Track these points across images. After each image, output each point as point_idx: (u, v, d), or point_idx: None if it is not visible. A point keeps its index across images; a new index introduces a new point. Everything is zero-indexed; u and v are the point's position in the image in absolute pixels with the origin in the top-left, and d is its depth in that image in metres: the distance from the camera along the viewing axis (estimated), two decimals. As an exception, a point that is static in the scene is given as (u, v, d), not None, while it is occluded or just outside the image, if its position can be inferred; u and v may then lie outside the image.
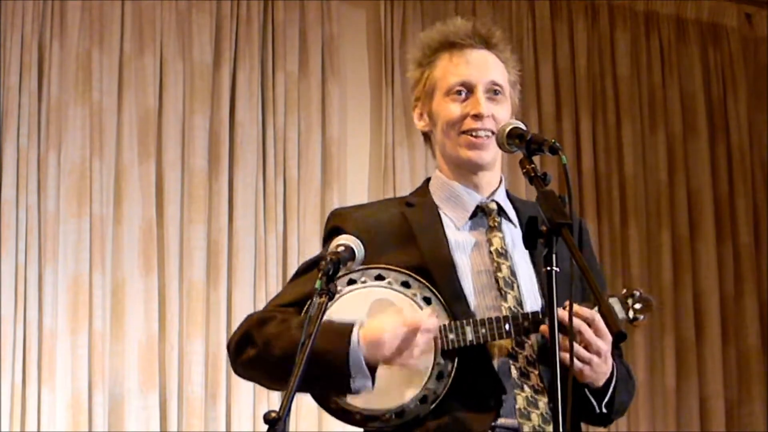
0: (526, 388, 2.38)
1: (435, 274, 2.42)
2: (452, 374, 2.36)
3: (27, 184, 4.51)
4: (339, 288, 2.33)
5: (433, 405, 2.35)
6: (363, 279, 2.42)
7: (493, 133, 2.46)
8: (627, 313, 2.49)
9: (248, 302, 4.70)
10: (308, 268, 2.52)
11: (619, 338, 2.05)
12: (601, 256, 5.31)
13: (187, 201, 4.75)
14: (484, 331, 2.35)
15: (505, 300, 2.42)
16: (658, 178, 5.64)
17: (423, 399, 2.35)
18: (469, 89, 2.51)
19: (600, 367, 2.36)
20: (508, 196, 2.60)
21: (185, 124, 4.81)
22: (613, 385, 2.41)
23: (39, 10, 4.65)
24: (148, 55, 4.78)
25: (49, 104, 4.60)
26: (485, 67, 2.53)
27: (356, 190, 5.07)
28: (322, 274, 2.20)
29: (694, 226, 5.67)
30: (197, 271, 4.70)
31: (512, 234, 2.51)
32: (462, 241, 2.49)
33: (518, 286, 2.44)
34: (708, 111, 5.80)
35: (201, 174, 4.77)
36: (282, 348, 2.35)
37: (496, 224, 2.51)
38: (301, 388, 2.10)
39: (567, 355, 2.18)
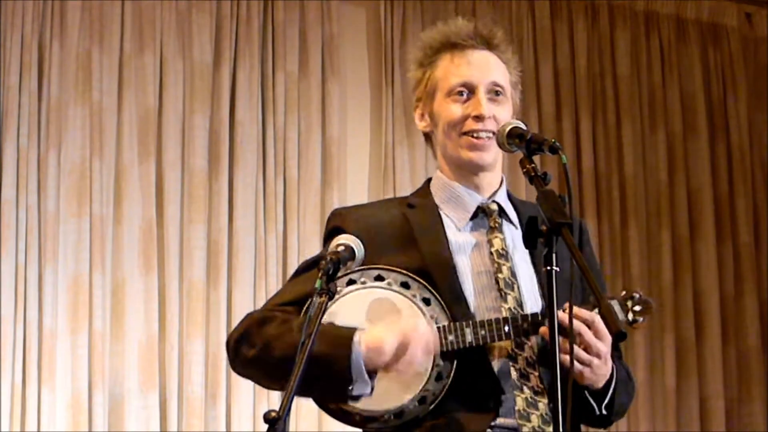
0: (525, 389, 2.38)
1: (435, 276, 2.42)
2: (451, 375, 2.36)
3: (27, 184, 4.51)
4: (338, 288, 2.33)
5: (432, 406, 2.36)
6: (362, 279, 2.41)
7: (494, 134, 2.46)
8: (626, 315, 2.49)
9: (248, 302, 4.70)
10: (308, 267, 2.52)
11: (619, 338, 2.05)
12: (601, 256, 5.32)
13: (187, 201, 4.76)
14: (483, 332, 2.35)
15: (505, 301, 2.42)
16: (658, 178, 5.64)
17: (422, 400, 2.35)
18: (471, 90, 2.51)
19: (600, 369, 2.36)
20: (509, 196, 2.60)
21: (185, 124, 4.81)
22: (612, 386, 2.41)
23: (39, 10, 4.65)
24: (148, 54, 4.78)
25: (49, 104, 4.60)
26: (487, 68, 2.53)
27: (356, 190, 5.07)
28: (322, 274, 2.19)
29: (694, 226, 5.67)
30: (197, 271, 4.70)
31: (513, 235, 2.51)
32: (462, 242, 2.49)
33: (518, 287, 2.44)
34: (708, 111, 5.80)
35: (201, 174, 4.78)
36: (282, 350, 2.35)
37: (497, 225, 2.51)
38: (300, 392, 2.10)
39: (567, 357, 2.18)
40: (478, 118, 2.49)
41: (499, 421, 2.36)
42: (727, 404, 5.54)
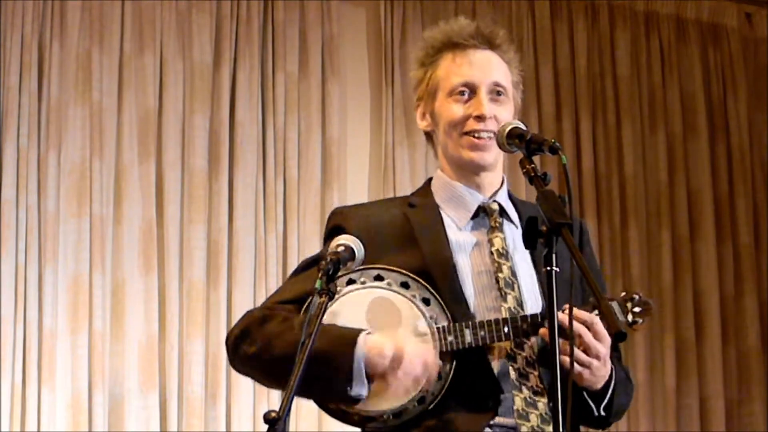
0: (524, 389, 2.38)
1: (435, 275, 2.42)
2: (450, 375, 2.36)
3: (27, 184, 4.51)
4: (338, 288, 2.33)
5: (431, 406, 2.36)
6: (362, 279, 2.41)
7: (495, 134, 2.45)
8: (626, 317, 2.49)
9: (248, 302, 4.70)
10: (308, 265, 2.52)
11: (618, 338, 2.05)
12: (601, 257, 5.32)
13: (187, 201, 4.76)
14: (483, 333, 2.35)
15: (505, 301, 2.42)
16: (658, 178, 5.63)
17: (421, 400, 2.36)
18: (472, 90, 2.51)
19: (599, 371, 2.36)
20: (510, 196, 2.60)
21: (185, 124, 4.81)
22: (611, 388, 2.42)
23: (39, 10, 4.65)
24: (148, 55, 4.78)
25: (49, 104, 4.60)
26: (488, 68, 2.53)
27: (356, 190, 5.07)
28: (322, 274, 2.20)
29: (694, 226, 5.67)
30: (197, 271, 4.70)
31: (513, 235, 2.51)
32: (463, 242, 2.49)
33: (519, 287, 2.45)
34: (708, 111, 5.80)
35: (201, 174, 4.78)
36: (283, 348, 2.35)
37: (497, 225, 2.51)
38: (300, 392, 2.09)
39: (566, 359, 2.18)
40: (480, 118, 2.49)
41: (498, 420, 2.36)
42: (727, 404, 5.54)
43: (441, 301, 2.39)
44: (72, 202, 4.57)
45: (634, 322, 2.50)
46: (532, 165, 2.24)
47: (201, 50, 4.87)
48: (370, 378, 2.32)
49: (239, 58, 4.92)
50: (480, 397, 2.36)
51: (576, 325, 2.29)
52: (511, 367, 2.39)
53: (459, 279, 2.44)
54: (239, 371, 2.54)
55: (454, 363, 2.36)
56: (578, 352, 2.32)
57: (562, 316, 2.22)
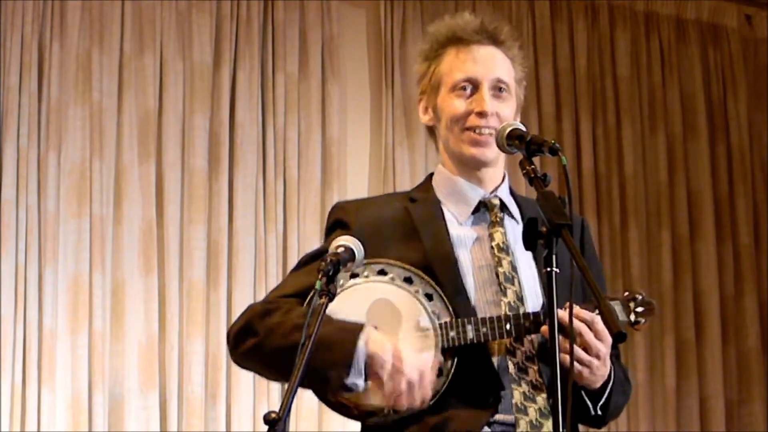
0: (523, 383, 2.38)
1: (437, 270, 2.43)
2: (451, 372, 2.36)
3: (27, 184, 4.51)
4: (341, 282, 2.33)
5: (432, 401, 2.36)
6: (366, 273, 2.42)
7: (497, 130, 2.46)
8: (629, 316, 2.49)
9: (248, 302, 4.66)
10: (310, 259, 2.52)
11: (618, 338, 2.04)
12: (601, 257, 5.31)
13: (187, 201, 4.76)
14: (485, 330, 2.36)
15: (505, 295, 2.42)
16: (658, 179, 5.64)
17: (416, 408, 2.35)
18: (475, 86, 2.52)
19: (599, 370, 2.36)
20: (512, 192, 2.60)
21: (185, 125, 4.81)
22: (609, 387, 2.42)
23: (39, 10, 4.65)
24: (148, 55, 4.78)
25: (49, 104, 4.60)
26: (492, 64, 2.53)
27: (356, 190, 5.07)
28: (322, 275, 2.19)
29: (694, 227, 5.67)
30: (197, 271, 4.70)
31: (514, 230, 2.51)
32: (464, 236, 2.50)
33: (519, 282, 2.45)
34: (708, 111, 5.81)
35: (201, 174, 4.78)
36: (283, 337, 2.35)
37: (498, 220, 2.51)
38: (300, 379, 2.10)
39: (566, 357, 2.18)
40: (481, 114, 2.49)
41: (498, 417, 2.36)
42: (727, 404, 5.55)
43: (444, 296, 2.39)
44: (72, 202, 4.57)
45: (637, 322, 2.50)
46: (532, 166, 2.24)
47: (201, 50, 4.87)
48: (368, 373, 2.32)
49: (239, 58, 4.92)
50: (481, 394, 2.36)
51: (577, 323, 2.29)
52: (510, 362, 2.39)
53: (460, 274, 2.44)
54: (241, 365, 2.54)
55: (456, 359, 2.36)
56: (579, 351, 2.32)
57: (562, 314, 2.22)
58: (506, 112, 2.51)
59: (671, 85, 5.75)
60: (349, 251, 2.29)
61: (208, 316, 4.69)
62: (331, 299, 2.17)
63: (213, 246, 4.74)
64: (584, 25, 5.63)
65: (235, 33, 4.94)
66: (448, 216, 2.53)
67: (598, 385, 2.39)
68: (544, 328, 2.35)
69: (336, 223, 2.56)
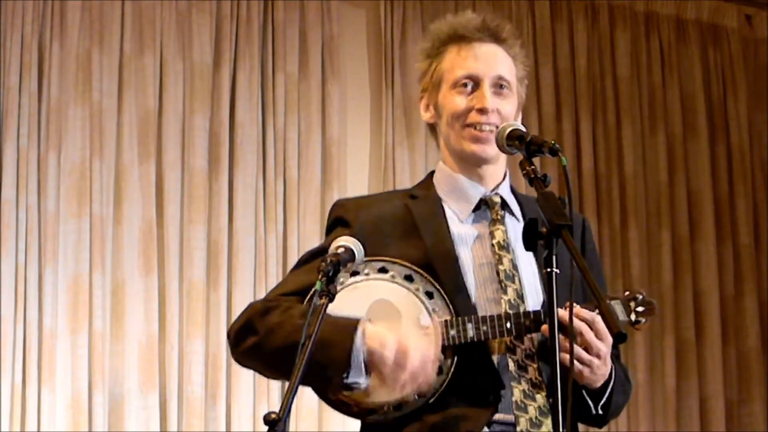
0: (523, 381, 2.38)
1: (438, 268, 2.42)
2: (452, 370, 2.36)
3: (27, 184, 4.51)
4: (341, 279, 2.33)
5: (432, 399, 2.36)
6: (366, 271, 2.41)
7: (497, 127, 2.46)
8: (629, 316, 2.49)
9: (248, 302, 4.66)
10: (311, 257, 2.52)
11: (619, 339, 2.05)
12: (601, 257, 5.29)
13: (187, 201, 4.76)
14: (485, 328, 2.36)
15: (506, 293, 2.42)
16: (658, 179, 5.64)
17: (422, 393, 2.35)
18: (476, 83, 2.52)
19: (599, 369, 2.36)
20: (513, 190, 2.60)
21: (185, 125, 4.81)
22: (610, 387, 2.42)
23: (39, 10, 4.65)
24: (148, 55, 4.78)
25: (49, 104, 4.60)
26: (493, 61, 2.53)
27: (356, 190, 5.06)
28: (322, 276, 2.19)
29: (694, 227, 5.67)
30: (197, 272, 4.70)
31: (515, 228, 2.51)
32: (464, 234, 2.50)
33: (519, 280, 2.45)
34: (708, 111, 5.81)
35: (201, 174, 4.78)
36: (284, 336, 2.35)
37: (499, 217, 2.51)
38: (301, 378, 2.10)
39: (567, 356, 2.18)
40: (482, 110, 2.49)
41: (498, 416, 2.36)
42: (727, 405, 5.55)
43: (444, 295, 2.39)
44: (72, 202, 4.57)
45: (637, 322, 2.50)
46: (532, 167, 2.24)
47: (201, 51, 4.87)
48: (369, 368, 2.31)
49: (239, 58, 4.92)
50: (481, 392, 2.36)
51: (577, 323, 2.29)
52: (510, 359, 2.39)
53: (461, 271, 2.44)
54: (241, 363, 2.54)
55: (456, 357, 2.36)
56: (579, 350, 2.32)
57: (563, 314, 2.22)
58: (507, 110, 2.51)
59: (671, 85, 5.75)
60: (349, 251, 2.29)
61: (208, 316, 4.69)
62: (331, 300, 2.17)
63: (213, 246, 4.74)
64: (584, 25, 5.63)
65: (235, 33, 4.95)
66: (449, 213, 2.53)
67: (599, 384, 2.39)
68: (545, 327, 2.35)
69: (336, 221, 2.56)
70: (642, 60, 5.72)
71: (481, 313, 2.39)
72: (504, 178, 2.58)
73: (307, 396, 4.43)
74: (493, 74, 2.52)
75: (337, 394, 2.37)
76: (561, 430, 2.06)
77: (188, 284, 4.69)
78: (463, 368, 2.36)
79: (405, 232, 2.49)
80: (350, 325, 2.32)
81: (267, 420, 1.99)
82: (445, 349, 2.35)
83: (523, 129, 2.36)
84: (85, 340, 4.49)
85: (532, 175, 2.22)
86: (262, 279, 4.76)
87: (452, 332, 2.35)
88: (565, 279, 2.18)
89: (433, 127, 2.63)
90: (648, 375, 5.41)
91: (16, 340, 4.41)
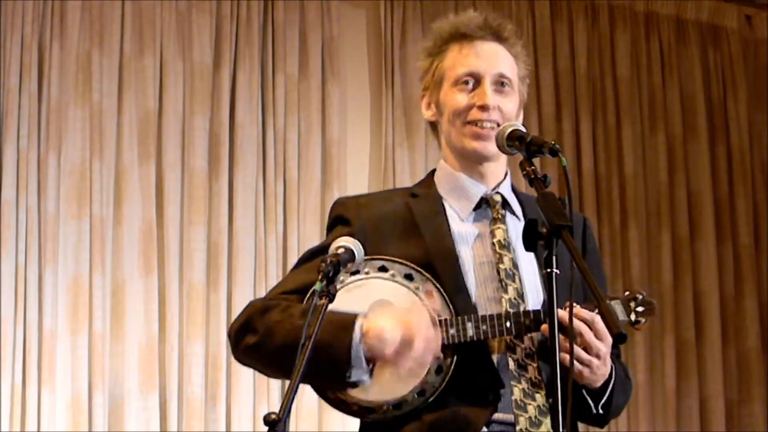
0: (522, 381, 2.38)
1: (438, 267, 2.42)
2: (451, 369, 2.36)
3: (27, 185, 4.51)
4: (341, 278, 2.33)
5: (432, 398, 2.36)
6: (366, 270, 2.41)
7: (499, 125, 2.46)
8: (629, 316, 2.49)
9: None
10: (311, 256, 2.52)
11: (618, 339, 2.05)
12: (601, 257, 5.30)
13: (187, 202, 4.76)
14: (485, 327, 2.36)
15: (506, 292, 2.42)
16: (658, 179, 5.64)
17: (421, 392, 2.35)
18: (477, 80, 2.52)
19: (599, 369, 2.36)
20: (513, 189, 2.60)
21: (185, 126, 4.81)
22: (611, 387, 2.42)
23: (39, 11, 4.65)
24: (148, 56, 4.78)
25: (49, 105, 4.60)
26: (494, 59, 2.54)
27: (356, 191, 5.04)
28: (322, 276, 2.19)
29: (694, 227, 5.67)
30: (197, 272, 4.70)
31: (516, 227, 2.51)
32: (465, 233, 2.50)
33: (520, 278, 2.45)
34: (708, 112, 5.81)
35: (201, 175, 4.78)
36: (283, 336, 2.35)
37: (500, 216, 2.51)
38: (302, 379, 2.09)
39: (567, 356, 2.18)
40: (483, 107, 2.49)
41: (498, 416, 2.36)
42: (727, 405, 5.55)
43: (444, 293, 2.39)
44: (72, 203, 4.57)
45: (637, 322, 2.50)
46: (533, 167, 2.24)
47: (201, 51, 4.87)
48: (373, 362, 2.31)
49: (239, 59, 4.92)
50: (480, 392, 2.36)
51: (577, 323, 2.29)
52: (510, 359, 2.39)
53: (461, 270, 2.44)
54: (242, 362, 2.53)
55: (455, 356, 2.36)
56: (579, 351, 2.32)
57: (563, 314, 2.22)
58: (508, 107, 2.51)
59: (671, 85, 5.75)
60: (349, 252, 2.29)
61: (208, 317, 4.69)
62: (331, 300, 2.17)
63: (213, 247, 4.74)
64: (584, 26, 5.63)
65: (235, 33, 4.95)
66: (449, 212, 2.53)
67: (599, 384, 2.39)
68: (545, 327, 2.35)
69: (337, 219, 2.56)
70: (642, 60, 5.72)
71: (481, 312, 2.39)
72: (505, 177, 2.58)
73: (307, 396, 4.43)
74: (495, 72, 2.52)
75: (340, 393, 2.36)
76: (561, 430, 2.06)
77: (188, 285, 4.69)
78: (463, 367, 2.36)
79: (405, 230, 2.49)
80: (347, 321, 2.31)
81: (267, 420, 1.99)
82: (444, 348, 2.35)
83: (524, 129, 2.36)
84: (85, 340, 4.49)
85: (533, 176, 2.22)
86: (262, 280, 4.76)
87: (452, 331, 2.35)
88: (565, 279, 2.18)
89: (434, 126, 2.63)
90: (648, 375, 5.41)
91: (16, 341, 4.41)
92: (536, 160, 2.29)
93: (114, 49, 4.74)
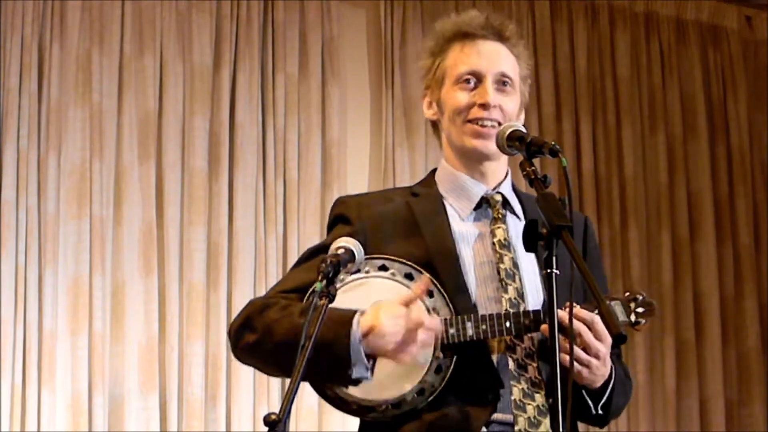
0: (522, 380, 2.38)
1: (439, 266, 2.42)
2: (451, 368, 2.36)
3: (27, 186, 4.51)
4: (341, 277, 2.33)
5: (431, 398, 2.36)
6: (366, 269, 2.41)
7: (500, 123, 2.47)
8: (629, 317, 2.49)
9: (248, 303, 4.69)
10: (311, 255, 2.52)
11: (618, 340, 2.05)
12: (602, 257, 5.31)
13: (187, 202, 4.76)
14: (484, 327, 2.36)
15: (506, 291, 2.42)
16: (658, 180, 5.64)
17: (420, 392, 2.36)
18: (478, 79, 2.52)
19: (598, 370, 2.36)
20: (514, 189, 2.60)
21: (185, 126, 4.81)
22: (610, 387, 2.42)
23: (39, 11, 4.65)
24: (148, 56, 4.78)
25: (49, 106, 4.60)
26: (496, 58, 2.54)
27: (356, 191, 4.98)
28: (322, 277, 2.19)
29: (694, 228, 5.67)
30: (197, 273, 4.70)
31: (516, 227, 2.51)
32: (465, 232, 2.50)
33: (520, 278, 2.45)
34: (708, 112, 5.81)
35: (201, 175, 4.78)
36: (282, 334, 2.35)
37: (500, 216, 2.51)
38: (304, 377, 2.09)
39: (566, 357, 2.18)
40: (484, 106, 2.49)
41: (497, 416, 2.36)
42: (727, 405, 5.55)
43: (444, 293, 2.39)
44: (72, 203, 4.57)
45: (637, 323, 2.50)
46: (533, 167, 2.25)
47: (201, 52, 4.87)
48: (373, 357, 2.31)
49: (239, 59, 4.92)
50: (480, 392, 2.36)
51: (576, 323, 2.29)
52: (510, 358, 2.39)
53: (462, 270, 2.44)
54: (241, 360, 2.53)
55: (455, 356, 2.36)
56: (578, 351, 2.32)
57: (562, 314, 2.22)
58: (509, 107, 2.52)
59: (671, 85, 5.75)
60: (349, 252, 2.29)
61: (208, 318, 4.69)
62: (331, 301, 2.17)
63: (213, 247, 4.74)
64: (584, 26, 5.63)
65: (235, 34, 4.95)
66: (450, 211, 2.53)
67: (599, 384, 2.39)
68: (544, 327, 2.35)
69: (338, 218, 2.56)
70: (642, 60, 5.72)
71: (481, 312, 2.39)
72: (506, 177, 2.58)
73: (307, 396, 4.44)
74: (496, 71, 2.53)
75: (339, 391, 2.36)
76: (561, 430, 2.06)
77: (188, 285, 4.69)
78: (463, 367, 2.36)
79: (406, 229, 2.49)
80: (345, 318, 2.31)
81: (267, 421, 1.99)
82: (444, 348, 2.35)
83: (524, 130, 2.36)
84: (85, 341, 4.49)
85: (533, 176, 2.22)
86: (262, 280, 4.76)
87: (451, 331, 2.35)
88: (566, 279, 2.18)
89: (435, 125, 2.63)
90: (648, 376, 5.41)
91: (16, 342, 4.41)
92: (536, 161, 2.29)
93: (114, 49, 4.74)
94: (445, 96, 2.55)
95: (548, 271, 2.11)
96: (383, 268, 2.42)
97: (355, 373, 2.30)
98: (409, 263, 2.42)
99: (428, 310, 2.36)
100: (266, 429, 2.01)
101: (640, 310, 2.50)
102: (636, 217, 5.55)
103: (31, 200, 4.52)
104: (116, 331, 4.57)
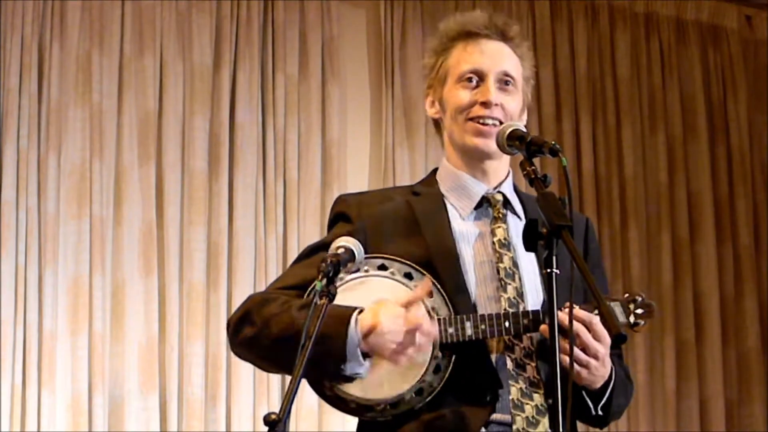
0: (520, 380, 2.38)
1: (439, 266, 2.42)
2: (449, 368, 2.36)
3: (27, 186, 4.51)
4: (341, 276, 2.33)
5: (429, 398, 2.36)
6: (366, 268, 2.41)
7: (501, 122, 2.47)
8: (628, 318, 2.49)
9: (248, 303, 4.69)
10: (311, 252, 2.52)
11: (618, 340, 2.05)
12: (602, 257, 5.31)
13: (187, 202, 4.76)
14: (483, 327, 2.36)
15: (505, 291, 2.42)
16: (658, 180, 5.64)
17: (419, 391, 2.35)
18: (481, 77, 2.52)
19: (598, 371, 2.36)
20: (515, 189, 2.60)
21: (185, 126, 4.81)
22: (610, 388, 2.42)
23: (39, 11, 4.65)
24: (148, 56, 4.78)
25: (49, 106, 4.60)
26: (499, 57, 2.54)
27: (356, 191, 5.06)
28: (322, 276, 2.19)
29: (694, 228, 5.67)
30: (197, 273, 4.70)
31: (517, 226, 2.51)
32: (466, 232, 2.50)
33: (520, 278, 2.45)
34: (708, 112, 5.81)
35: (201, 175, 4.78)
36: (280, 329, 2.35)
37: (501, 216, 2.51)
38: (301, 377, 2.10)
39: (565, 357, 2.18)
40: (486, 104, 2.49)
41: (496, 416, 2.36)
42: (727, 405, 5.55)
43: (443, 293, 2.39)
44: (72, 203, 4.57)
45: (636, 324, 2.50)
46: (533, 167, 2.25)
47: (201, 52, 4.87)
48: (369, 355, 2.31)
49: (239, 59, 4.92)
50: (478, 392, 2.36)
51: (575, 324, 2.29)
52: (508, 358, 2.39)
53: (462, 270, 2.44)
54: (239, 355, 2.54)
55: (454, 356, 2.36)
56: (577, 351, 2.32)
57: (562, 315, 2.22)
58: (511, 106, 2.52)
59: (671, 86, 5.75)
60: (349, 252, 2.29)
61: (208, 318, 4.69)
62: (331, 300, 2.17)
63: (213, 247, 4.74)
64: (584, 26, 5.63)
65: (235, 34, 4.95)
66: (450, 210, 2.53)
67: (598, 385, 2.39)
68: (544, 327, 2.35)
69: (338, 216, 2.56)
70: (642, 61, 5.72)
71: (480, 311, 2.39)
72: (507, 176, 2.58)
73: (307, 396, 4.43)
74: (499, 70, 2.53)
75: (336, 390, 2.36)
76: (560, 430, 2.05)
77: (188, 285, 4.69)
78: (461, 367, 2.36)
79: (406, 228, 2.50)
80: (344, 314, 2.31)
81: (267, 421, 2.00)
82: (443, 348, 2.35)
83: (524, 129, 2.36)
84: (85, 341, 4.49)
85: (533, 176, 2.22)
86: (262, 280, 4.76)
87: (450, 330, 2.35)
88: (566, 279, 2.18)
89: (437, 123, 2.63)
90: (648, 376, 5.41)
91: (16, 342, 4.41)
92: (536, 160, 2.29)
93: (114, 49, 4.74)
94: (448, 94, 2.56)
95: (548, 270, 2.11)
96: (383, 267, 2.42)
97: (349, 369, 2.30)
98: (409, 263, 2.42)
99: (428, 312, 2.36)
100: (266, 429, 2.01)
101: (639, 311, 2.51)
102: (636, 217, 5.54)
103: (31, 200, 4.52)
104: (116, 331, 4.57)
